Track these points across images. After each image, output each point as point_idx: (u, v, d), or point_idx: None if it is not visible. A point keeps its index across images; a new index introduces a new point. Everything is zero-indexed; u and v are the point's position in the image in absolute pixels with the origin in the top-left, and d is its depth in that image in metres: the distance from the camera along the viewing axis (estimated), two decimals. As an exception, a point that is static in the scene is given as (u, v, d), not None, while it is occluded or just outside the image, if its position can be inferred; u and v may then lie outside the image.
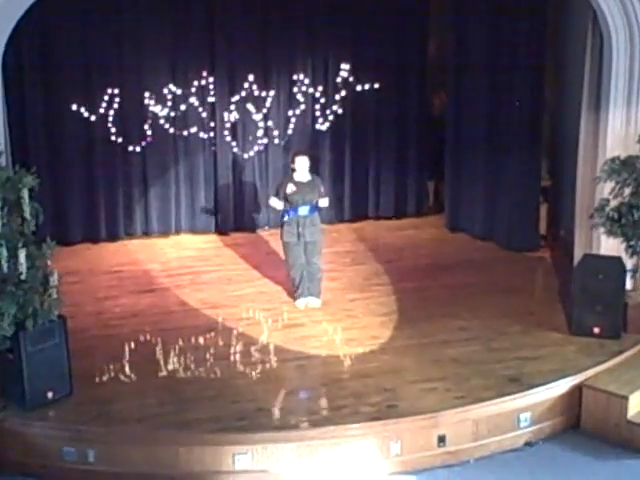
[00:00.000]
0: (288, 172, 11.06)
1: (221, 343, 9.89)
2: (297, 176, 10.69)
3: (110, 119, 12.73)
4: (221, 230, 13.48)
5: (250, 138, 13.39)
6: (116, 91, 12.67)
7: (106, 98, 12.64)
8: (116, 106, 12.71)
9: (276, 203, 10.77)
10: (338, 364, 9.42)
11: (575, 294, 10.09)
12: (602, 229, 10.12)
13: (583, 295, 9.91)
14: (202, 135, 13.22)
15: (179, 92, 12.95)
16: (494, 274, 11.85)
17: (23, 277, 8.09)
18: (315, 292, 10.88)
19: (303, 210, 10.60)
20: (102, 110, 12.66)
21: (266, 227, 13.51)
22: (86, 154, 12.84)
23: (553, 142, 12.85)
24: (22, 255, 8.06)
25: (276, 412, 8.52)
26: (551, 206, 12.79)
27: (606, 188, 10.07)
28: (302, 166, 10.70)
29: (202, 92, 13.08)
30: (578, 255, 10.31)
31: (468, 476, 8.38)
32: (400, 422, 8.38)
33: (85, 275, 11.78)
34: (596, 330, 9.88)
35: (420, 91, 14.01)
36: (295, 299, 10.86)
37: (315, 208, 10.75)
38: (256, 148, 13.44)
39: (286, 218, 10.66)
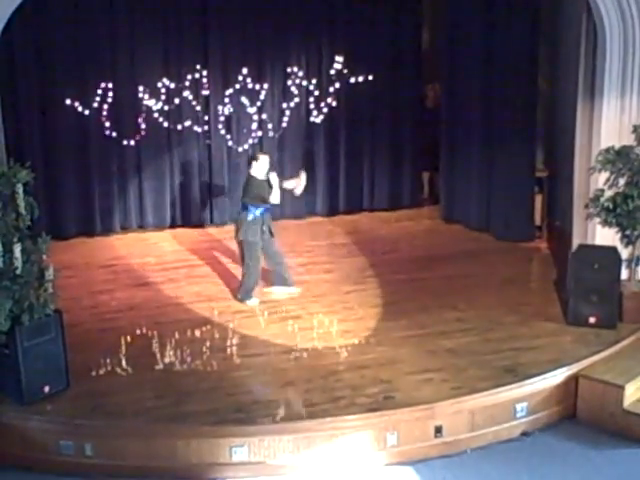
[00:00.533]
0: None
1: (217, 336, 9.89)
2: (261, 175, 10.59)
3: (104, 113, 12.74)
4: (216, 223, 13.47)
5: (244, 131, 13.41)
6: (110, 85, 12.68)
7: (100, 92, 12.65)
8: (110, 100, 12.73)
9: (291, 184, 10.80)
10: (334, 356, 9.43)
11: (571, 284, 10.11)
12: (597, 219, 10.15)
13: (579, 285, 9.93)
14: (196, 129, 13.22)
15: (173, 86, 12.95)
16: (489, 265, 11.88)
17: (18, 272, 8.08)
18: (292, 281, 10.95)
19: (262, 208, 10.59)
20: (96, 104, 12.67)
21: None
22: (80, 148, 12.84)
23: (549, 133, 12.86)
24: (17, 250, 8.05)
25: (273, 404, 8.52)
26: (546, 197, 12.80)
27: (601, 178, 10.09)
28: (266, 164, 10.61)
29: (196, 85, 13.08)
30: (576, 245, 10.32)
31: (465, 466, 8.39)
32: (397, 413, 8.39)
33: (80, 269, 11.79)
34: (592, 320, 9.90)
35: (414, 83, 14.02)
36: (249, 298, 10.72)
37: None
38: (250, 141, 13.45)
39: (251, 217, 10.50)
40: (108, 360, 9.22)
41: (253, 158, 10.72)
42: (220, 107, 13.18)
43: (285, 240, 12.72)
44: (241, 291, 10.75)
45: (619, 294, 9.96)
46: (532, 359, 9.25)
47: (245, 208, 10.54)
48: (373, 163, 14.10)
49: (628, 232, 10.09)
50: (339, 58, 13.40)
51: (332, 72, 13.47)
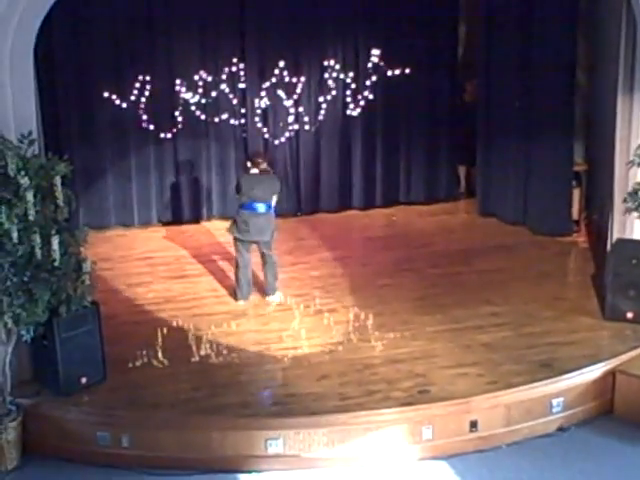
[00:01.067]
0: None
1: (253, 328, 9.93)
2: None
3: (141, 106, 12.79)
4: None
5: (281, 124, 13.41)
6: (147, 78, 12.74)
7: (137, 85, 12.71)
8: (147, 93, 12.78)
9: None
10: (369, 349, 9.43)
11: (608, 279, 10.03)
12: (636, 214, 10.04)
13: (616, 280, 9.85)
14: (233, 121, 13.24)
15: (210, 79, 12.98)
16: (526, 259, 11.82)
17: (56, 264, 8.14)
18: None
19: None
20: (133, 97, 12.73)
21: (298, 213, 13.53)
22: (118, 141, 12.92)
23: (587, 126, 12.76)
24: (55, 242, 8.10)
25: (308, 397, 8.54)
26: (584, 191, 12.71)
27: (640, 172, 10.01)
28: None
29: (233, 78, 13.10)
30: (614, 240, 10.24)
31: (500, 461, 8.37)
32: (432, 407, 8.38)
33: (117, 261, 11.87)
34: (629, 315, 9.81)
35: (451, 75, 13.95)
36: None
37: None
38: (287, 134, 13.45)
39: None
40: (144, 352, 9.28)
41: (265, 162, 10.67)
42: (257, 100, 13.19)
43: (321, 233, 12.78)
44: (277, 285, 10.78)
45: (658, 290, 9.88)
46: (568, 354, 9.20)
47: (270, 206, 10.54)
48: (410, 156, 14.05)
49: (667, 227, 9.99)
50: (376, 51, 13.35)
51: (369, 65, 13.43)
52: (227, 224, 10.80)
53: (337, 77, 13.42)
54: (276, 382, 8.84)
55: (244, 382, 8.81)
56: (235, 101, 13.17)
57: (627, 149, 10.10)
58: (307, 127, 13.49)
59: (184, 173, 13.31)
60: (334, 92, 13.46)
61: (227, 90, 13.07)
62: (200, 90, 12.97)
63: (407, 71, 13.55)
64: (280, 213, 13.31)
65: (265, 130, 13.35)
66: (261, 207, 10.40)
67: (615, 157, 10.39)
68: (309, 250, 11.93)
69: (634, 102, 9.94)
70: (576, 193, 12.66)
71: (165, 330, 9.80)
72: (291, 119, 13.40)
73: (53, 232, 8.13)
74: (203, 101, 13.02)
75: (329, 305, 10.51)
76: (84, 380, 8.58)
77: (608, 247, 10.36)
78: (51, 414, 8.40)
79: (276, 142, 13.41)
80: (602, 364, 9.03)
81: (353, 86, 13.50)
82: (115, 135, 12.89)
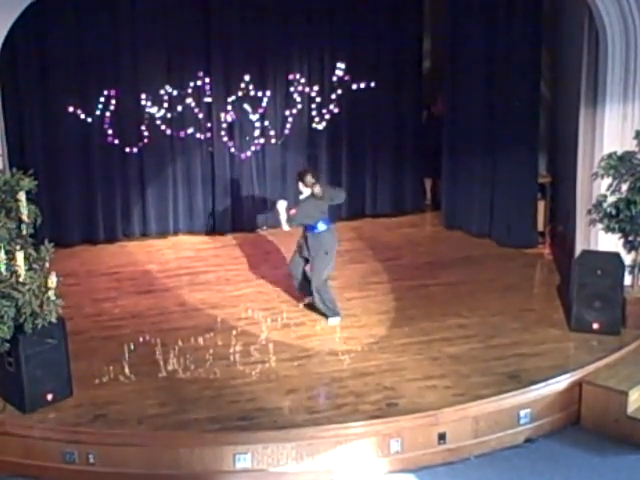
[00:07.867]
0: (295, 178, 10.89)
1: (220, 343, 9.88)
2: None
3: (107, 121, 12.71)
4: (219, 230, 13.47)
5: (247, 138, 13.37)
6: (112, 93, 12.65)
7: (102, 100, 12.63)
8: (112, 108, 12.69)
9: None
10: (337, 363, 9.43)
11: (574, 290, 10.10)
12: (600, 225, 10.15)
13: (582, 291, 9.93)
14: (199, 136, 13.19)
15: (175, 93, 12.93)
16: (492, 271, 11.86)
17: (21, 279, 8.09)
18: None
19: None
20: (98, 112, 12.64)
21: (264, 227, 13.50)
22: (83, 156, 12.81)
23: (551, 138, 12.86)
24: (20, 257, 8.06)
25: (276, 411, 8.52)
26: (549, 203, 12.80)
27: (604, 184, 10.09)
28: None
29: (198, 93, 13.05)
30: (579, 251, 10.32)
31: (469, 473, 8.39)
32: (400, 420, 8.41)
33: (83, 277, 11.78)
34: (595, 326, 9.90)
35: (416, 89, 13.99)
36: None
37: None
38: (253, 148, 13.42)
39: None
40: (111, 368, 9.23)
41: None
42: (222, 114, 13.16)
43: (287, 247, 12.72)
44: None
45: (622, 300, 9.95)
46: (535, 365, 9.26)
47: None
48: (375, 169, 14.06)
49: (631, 238, 10.09)
50: (341, 65, 13.38)
51: (334, 79, 13.46)
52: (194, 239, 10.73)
53: (302, 91, 13.43)
54: (244, 396, 8.79)
55: (211, 397, 8.78)
56: (201, 115, 13.13)
57: (590, 161, 10.22)
58: (273, 141, 13.47)
59: (150, 188, 13.24)
60: (300, 106, 13.46)
61: (193, 104, 13.02)
62: (166, 104, 12.91)
63: (372, 84, 13.58)
64: (248, 227, 13.45)
65: (231, 144, 13.32)
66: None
67: (578, 169, 10.49)
68: (276, 264, 11.91)
69: (597, 115, 10.06)
70: (541, 205, 12.74)
71: (132, 345, 9.74)
72: (257, 133, 13.38)
73: (18, 247, 8.08)
74: (169, 115, 12.97)
75: (296, 319, 10.50)
76: (50, 396, 8.51)
77: (573, 259, 10.44)
78: (15, 431, 8.32)
79: (242, 156, 13.38)
80: (569, 375, 9.10)
81: (318, 100, 13.51)
82: (80, 150, 12.78)
